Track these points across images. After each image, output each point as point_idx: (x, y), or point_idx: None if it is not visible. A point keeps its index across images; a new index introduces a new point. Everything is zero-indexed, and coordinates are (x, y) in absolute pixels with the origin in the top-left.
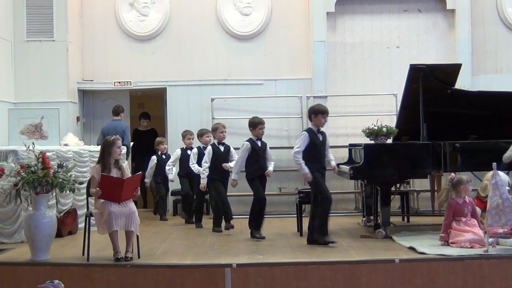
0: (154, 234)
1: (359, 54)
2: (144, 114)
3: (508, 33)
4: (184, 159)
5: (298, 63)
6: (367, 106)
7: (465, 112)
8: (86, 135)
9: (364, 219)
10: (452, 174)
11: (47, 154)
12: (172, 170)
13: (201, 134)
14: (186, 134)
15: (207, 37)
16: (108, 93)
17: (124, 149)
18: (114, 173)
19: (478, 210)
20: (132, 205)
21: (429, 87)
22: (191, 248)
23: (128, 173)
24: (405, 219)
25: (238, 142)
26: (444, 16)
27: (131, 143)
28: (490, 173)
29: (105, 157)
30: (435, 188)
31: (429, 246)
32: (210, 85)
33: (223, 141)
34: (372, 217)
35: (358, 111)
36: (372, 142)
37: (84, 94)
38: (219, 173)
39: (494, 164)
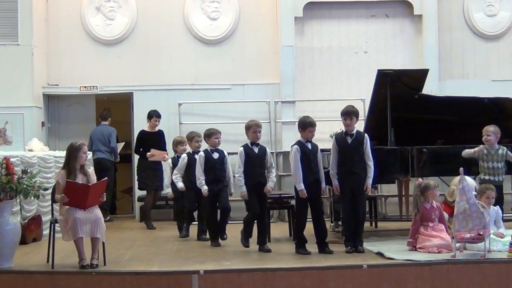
0: (120, 240)
1: (327, 59)
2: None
3: (475, 38)
4: (191, 166)
5: (266, 67)
6: (335, 111)
7: (432, 117)
8: (51, 141)
9: (332, 224)
10: (420, 179)
11: (11, 160)
12: (180, 178)
13: (190, 138)
14: (193, 136)
15: (174, 42)
16: (74, 97)
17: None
18: (80, 179)
19: (446, 215)
20: (97, 211)
21: (397, 92)
22: (157, 254)
23: (94, 179)
24: (373, 224)
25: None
26: (411, 21)
27: (135, 149)
28: (457, 178)
29: (71, 163)
30: (403, 193)
31: (397, 251)
32: (178, 90)
33: (217, 147)
34: (340, 223)
35: (327, 116)
36: None
37: (50, 99)
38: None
39: (461, 169)
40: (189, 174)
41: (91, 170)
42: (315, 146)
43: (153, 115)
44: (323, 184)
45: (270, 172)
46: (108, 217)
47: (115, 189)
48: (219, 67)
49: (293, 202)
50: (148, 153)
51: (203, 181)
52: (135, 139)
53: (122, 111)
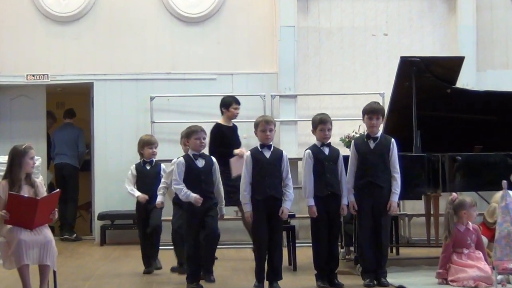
0: (76, 269)
1: (337, 43)
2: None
3: None
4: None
5: (260, 53)
6: (347, 109)
7: (469, 117)
8: None
9: (342, 250)
10: (454, 194)
11: None
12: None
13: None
14: (194, 131)
15: (146, 20)
16: (19, 88)
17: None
18: (26, 191)
19: (485, 239)
20: (47, 232)
21: (424, 85)
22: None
23: (43, 191)
24: (394, 250)
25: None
26: None
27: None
28: (499, 194)
29: (14, 171)
30: (431, 212)
31: (424, 285)
32: (150, 80)
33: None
34: (352, 248)
35: (336, 114)
36: None
37: None
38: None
39: (504, 182)
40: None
41: (39, 180)
42: (333, 151)
43: (232, 102)
44: (344, 201)
45: (286, 185)
46: (75, 235)
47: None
48: (202, 52)
49: (293, 222)
50: (234, 166)
51: (185, 189)
52: (212, 137)
53: (79, 106)
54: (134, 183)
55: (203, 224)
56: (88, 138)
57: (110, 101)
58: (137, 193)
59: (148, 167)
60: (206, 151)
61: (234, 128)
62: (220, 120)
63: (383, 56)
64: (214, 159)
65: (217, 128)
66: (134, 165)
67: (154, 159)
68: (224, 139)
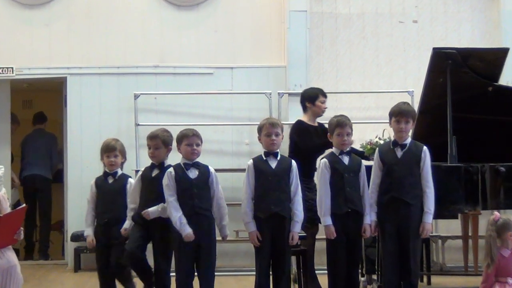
0: None
1: (357, 32)
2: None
3: None
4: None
5: (266, 43)
6: (368, 110)
7: None
8: None
9: (363, 279)
10: (496, 213)
11: None
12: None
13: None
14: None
15: (130, 3)
16: None
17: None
18: None
19: None
20: (11, 255)
21: (461, 82)
22: None
23: (6, 206)
24: (425, 279)
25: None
26: None
27: None
28: None
29: None
30: (469, 234)
31: None
32: (134, 74)
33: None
34: (375, 277)
35: (356, 116)
36: None
37: None
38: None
39: None
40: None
41: (2, 193)
42: (354, 161)
43: (318, 94)
44: (367, 220)
45: (295, 201)
46: (50, 259)
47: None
48: (196, 42)
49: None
50: None
51: (182, 218)
52: (294, 138)
53: (50, 106)
54: (94, 204)
55: (197, 256)
56: (60, 143)
57: (87, 99)
58: (89, 232)
59: (110, 181)
60: (205, 160)
61: (320, 129)
62: (302, 117)
63: (412, 48)
64: (211, 169)
65: (299, 125)
66: (94, 179)
67: (118, 171)
68: (310, 140)
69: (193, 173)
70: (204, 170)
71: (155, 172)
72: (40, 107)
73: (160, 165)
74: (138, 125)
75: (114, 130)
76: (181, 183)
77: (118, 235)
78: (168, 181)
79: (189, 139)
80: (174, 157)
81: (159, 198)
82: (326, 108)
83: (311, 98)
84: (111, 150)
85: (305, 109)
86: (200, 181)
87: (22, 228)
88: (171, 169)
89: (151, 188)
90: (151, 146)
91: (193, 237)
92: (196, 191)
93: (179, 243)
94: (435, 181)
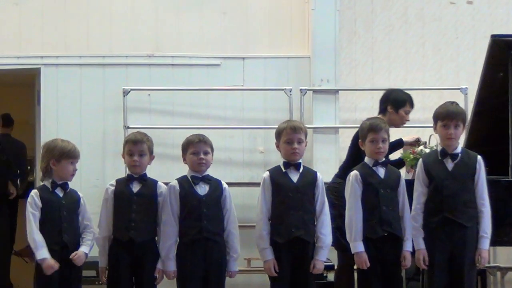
0: None
1: (398, 14)
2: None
3: None
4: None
5: (285, 29)
6: (412, 111)
7: None
8: None
9: None
10: None
11: None
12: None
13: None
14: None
15: None
16: None
17: None
18: None
19: None
20: None
21: None
22: None
23: None
24: None
25: (169, 173)
26: None
27: None
28: None
29: None
30: None
31: None
32: (122, 65)
33: (204, 172)
34: None
35: None
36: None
37: None
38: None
39: None
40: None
41: None
42: (392, 173)
43: (406, 101)
44: (407, 246)
45: (320, 224)
46: None
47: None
48: (200, 27)
49: (331, 276)
50: None
51: (172, 251)
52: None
53: (19, 103)
54: (37, 221)
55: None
56: (31, 149)
57: (65, 95)
58: (45, 254)
59: (60, 194)
60: (210, 171)
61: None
62: None
63: (466, 35)
64: (224, 184)
65: None
66: (35, 190)
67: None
68: None
69: (202, 189)
70: (216, 186)
71: (136, 187)
72: (7, 105)
73: (141, 178)
74: (128, 127)
75: (98, 134)
76: (187, 200)
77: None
78: (169, 197)
79: (195, 147)
80: (182, 169)
81: (148, 222)
82: (408, 121)
83: (397, 103)
84: (77, 157)
85: (383, 111)
86: (210, 199)
87: None
88: (174, 183)
89: (134, 208)
90: (135, 153)
91: (172, 278)
92: (206, 211)
93: (181, 274)
94: (492, 199)
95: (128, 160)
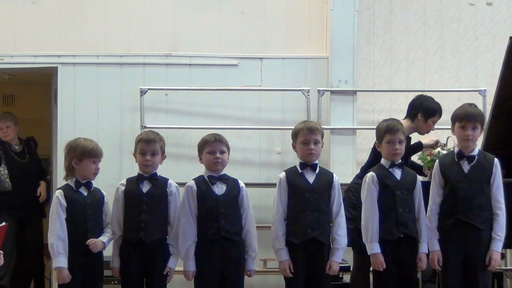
0: None
1: (417, 15)
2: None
3: None
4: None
5: (303, 28)
6: None
7: None
8: None
9: None
10: None
11: None
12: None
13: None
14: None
15: None
16: None
17: None
18: None
19: None
20: None
21: None
22: None
23: None
24: None
25: (186, 173)
26: None
27: None
28: None
29: None
30: None
31: None
32: (140, 65)
33: (221, 172)
34: None
35: None
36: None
37: None
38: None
39: None
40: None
41: None
42: (408, 175)
43: (436, 112)
44: (423, 248)
45: (336, 225)
46: None
47: None
48: (218, 26)
49: (347, 277)
50: None
51: (191, 250)
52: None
53: (37, 101)
54: (64, 223)
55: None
56: (48, 148)
57: (82, 94)
58: (62, 263)
59: (84, 193)
60: (227, 172)
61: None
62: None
63: (485, 36)
64: (241, 183)
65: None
66: (60, 190)
67: (157, 173)
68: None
69: (219, 189)
70: (233, 185)
71: (146, 187)
72: (24, 104)
73: (151, 177)
74: (145, 127)
75: (115, 133)
76: (204, 200)
77: (100, 266)
78: (187, 197)
79: (211, 146)
80: (198, 169)
81: (159, 222)
82: (432, 130)
83: (428, 112)
84: (100, 156)
85: (412, 117)
86: (228, 198)
87: (1, 252)
88: (191, 183)
89: (144, 209)
90: (147, 152)
91: (191, 279)
92: (223, 211)
93: (199, 274)
94: (510, 201)
95: (140, 159)
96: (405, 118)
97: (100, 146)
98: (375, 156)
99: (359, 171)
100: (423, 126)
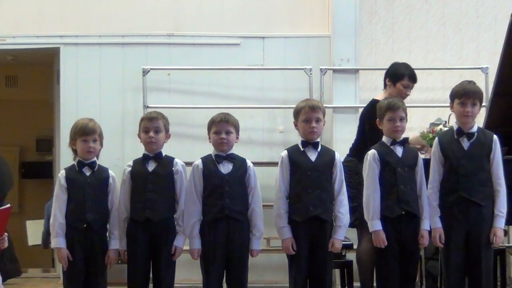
0: None
1: None
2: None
3: None
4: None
5: (306, 7)
6: (432, 90)
7: None
8: None
9: None
10: None
11: None
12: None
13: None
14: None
15: None
16: None
17: None
18: None
19: None
20: None
21: None
22: None
23: None
24: None
25: (189, 152)
26: None
27: None
28: None
29: None
30: None
31: None
32: (142, 44)
33: (228, 151)
34: None
35: (416, 98)
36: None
37: None
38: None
39: None
40: None
41: None
42: (409, 153)
43: (404, 74)
44: (425, 225)
45: (339, 203)
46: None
47: None
48: (220, 6)
49: (351, 255)
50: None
51: (196, 228)
52: (366, 119)
53: (39, 82)
54: (64, 204)
55: (227, 269)
56: (49, 129)
57: (84, 75)
58: (59, 243)
59: (87, 173)
60: (239, 150)
61: None
62: (379, 95)
63: (487, 14)
64: (249, 162)
65: (373, 107)
66: (63, 171)
67: (96, 160)
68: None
69: (225, 167)
70: (240, 164)
71: (152, 166)
72: (27, 84)
73: (156, 156)
74: (147, 107)
75: (117, 113)
76: (210, 179)
77: (102, 245)
78: (192, 176)
79: (217, 126)
80: (202, 149)
81: (165, 200)
82: (407, 95)
83: (395, 76)
84: (90, 133)
85: (385, 85)
86: (234, 177)
87: (6, 234)
88: (198, 162)
89: (150, 187)
90: (150, 129)
91: (197, 257)
92: (228, 189)
93: (204, 252)
94: (510, 179)
95: (144, 137)
96: (383, 91)
97: (96, 124)
98: (362, 135)
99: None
100: (393, 92)
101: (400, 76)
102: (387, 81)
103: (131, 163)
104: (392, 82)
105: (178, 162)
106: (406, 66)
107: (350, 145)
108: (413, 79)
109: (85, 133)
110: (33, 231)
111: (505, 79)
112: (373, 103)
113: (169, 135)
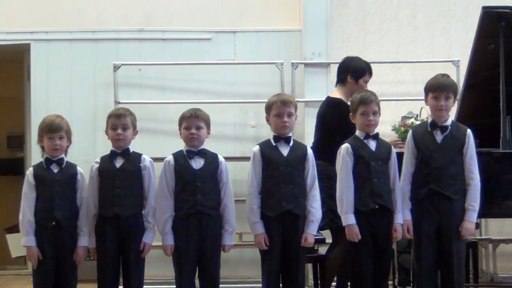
0: None
1: None
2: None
3: None
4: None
5: (277, 2)
6: (404, 83)
7: None
8: None
9: None
10: None
11: None
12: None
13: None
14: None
15: None
16: None
17: None
18: None
19: None
20: None
21: None
22: None
23: None
24: None
25: (161, 148)
26: None
27: None
28: None
29: None
30: None
31: None
32: (113, 40)
33: (199, 147)
34: None
35: (388, 91)
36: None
37: None
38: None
39: None
40: None
41: None
42: (383, 146)
43: (365, 70)
44: (398, 218)
45: (311, 198)
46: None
47: None
48: (190, 1)
49: (323, 249)
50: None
51: (168, 224)
52: (336, 119)
53: (9, 79)
54: (33, 201)
55: (200, 268)
56: (20, 126)
57: (55, 71)
58: (29, 241)
59: (55, 170)
60: (211, 146)
61: None
62: (336, 93)
63: (458, 7)
64: (220, 158)
65: (342, 104)
66: (31, 168)
67: (64, 157)
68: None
69: (197, 163)
70: (211, 159)
71: (119, 162)
72: None
73: (123, 152)
74: (119, 102)
75: (89, 109)
76: (181, 174)
77: (72, 242)
78: (164, 172)
79: (187, 121)
80: (173, 144)
81: (133, 196)
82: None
83: (357, 72)
84: (56, 130)
85: (342, 82)
86: (205, 173)
87: None
88: (170, 158)
89: (118, 184)
90: (118, 126)
91: (170, 253)
92: (200, 185)
93: (176, 248)
94: (484, 171)
95: (111, 134)
96: (337, 85)
97: (63, 120)
98: (322, 135)
99: None
100: (355, 88)
101: (362, 72)
102: (348, 78)
103: (98, 159)
104: (354, 78)
105: (146, 158)
106: (363, 61)
107: None
108: (371, 73)
109: (51, 130)
110: (14, 243)
111: (476, 72)
112: (337, 102)
113: (136, 132)
